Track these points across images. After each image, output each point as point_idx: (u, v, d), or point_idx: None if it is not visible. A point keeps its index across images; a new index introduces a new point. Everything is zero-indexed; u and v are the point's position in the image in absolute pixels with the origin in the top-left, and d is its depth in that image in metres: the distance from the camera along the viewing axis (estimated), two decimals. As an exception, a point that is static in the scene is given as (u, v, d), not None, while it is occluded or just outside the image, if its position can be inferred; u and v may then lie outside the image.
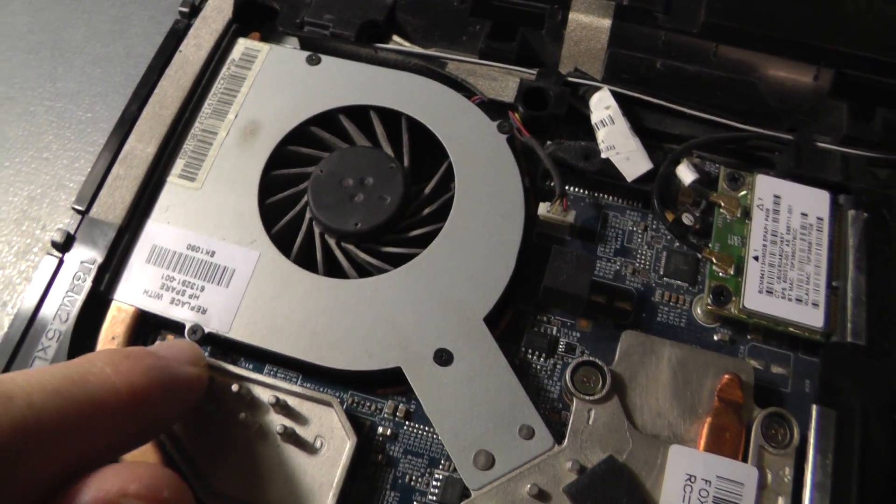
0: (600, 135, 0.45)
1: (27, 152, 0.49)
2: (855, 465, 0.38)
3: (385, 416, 0.41)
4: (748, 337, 0.42)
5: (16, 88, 0.51)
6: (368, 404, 0.41)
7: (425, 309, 0.41)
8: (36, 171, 0.48)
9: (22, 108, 0.50)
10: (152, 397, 0.33)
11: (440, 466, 0.39)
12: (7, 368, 0.40)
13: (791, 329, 0.41)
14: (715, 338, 0.42)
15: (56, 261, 0.41)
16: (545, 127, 0.46)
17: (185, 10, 0.48)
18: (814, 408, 0.39)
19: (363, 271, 0.43)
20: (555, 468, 0.38)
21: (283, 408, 0.40)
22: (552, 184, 0.44)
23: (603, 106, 0.45)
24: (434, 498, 0.39)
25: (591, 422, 0.40)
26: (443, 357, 0.40)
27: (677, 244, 0.44)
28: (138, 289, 0.41)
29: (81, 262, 0.41)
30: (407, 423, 0.40)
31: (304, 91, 0.46)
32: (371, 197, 0.43)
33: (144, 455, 0.38)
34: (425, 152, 0.46)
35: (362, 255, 0.43)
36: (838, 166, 0.45)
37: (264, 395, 0.40)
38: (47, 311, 0.40)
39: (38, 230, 0.42)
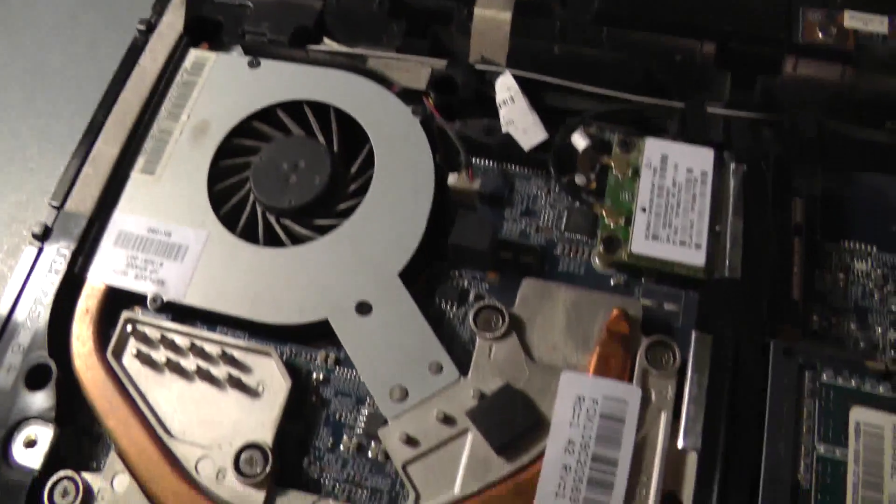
0: (502, 112, 0.50)
1: (13, 164, 0.57)
2: (727, 383, 0.43)
3: (318, 364, 0.47)
4: (642, 280, 0.48)
5: (1, 110, 0.59)
6: (304, 354, 0.47)
7: (348, 268, 0.47)
8: (22, 180, 0.56)
9: (7, 127, 0.59)
10: None
11: (365, 404, 0.45)
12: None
13: (676, 269, 0.46)
14: (611, 282, 0.48)
15: (36, 249, 0.48)
16: (456, 111, 0.51)
17: (142, 27, 0.56)
18: (693, 333, 0.44)
19: (300, 243, 0.49)
20: (460, 397, 0.44)
21: (228, 359, 0.46)
22: (462, 160, 0.50)
23: (505, 88, 0.51)
24: (360, 430, 0.45)
25: (492, 356, 0.45)
26: (363, 308, 0.46)
27: (577, 204, 0.50)
28: (107, 268, 0.48)
29: (58, 250, 0.48)
30: (337, 368, 0.46)
31: (246, 91, 0.53)
32: (303, 178, 0.50)
33: (115, 408, 0.45)
34: (352, 138, 0.52)
35: (297, 228, 0.50)
36: (722, 128, 0.50)
37: (213, 350, 0.47)
38: (30, 292, 0.47)
39: (25, 231, 0.50)
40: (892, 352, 0.45)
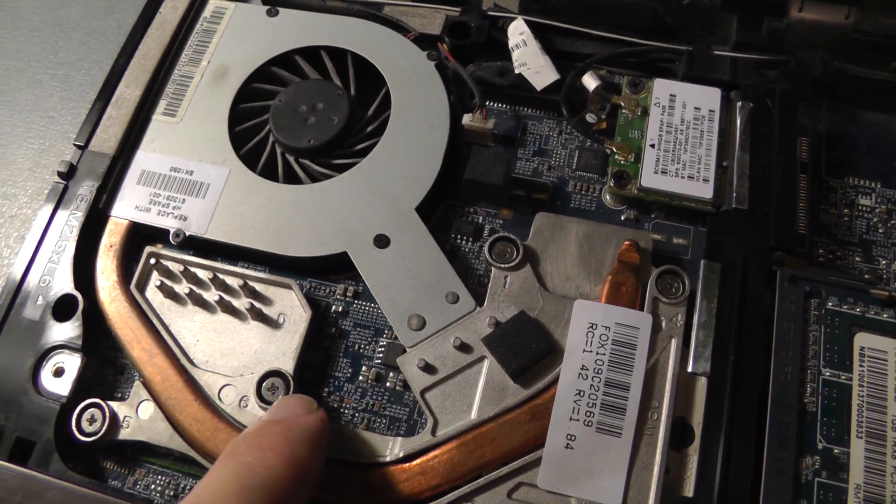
0: (515, 55, 0.51)
1: (35, 113, 0.58)
2: (735, 307, 0.44)
3: (337, 296, 0.48)
4: (651, 216, 0.49)
5: (23, 61, 0.60)
6: (323, 288, 0.48)
7: (366, 204, 0.48)
8: (44, 128, 0.57)
9: (29, 78, 0.60)
10: (301, 457, 0.37)
11: (384, 335, 0.47)
12: (26, 274, 0.49)
13: (685, 203, 0.47)
14: (622, 218, 0.49)
15: (62, 187, 0.50)
16: (470, 55, 0.52)
17: None
18: (702, 262, 0.45)
19: (318, 181, 0.50)
20: (476, 325, 0.45)
21: (250, 291, 0.47)
22: (476, 101, 0.51)
23: (518, 33, 0.52)
24: (379, 361, 0.46)
25: (506, 286, 0.46)
26: (381, 241, 0.47)
27: (589, 143, 0.51)
28: (130, 205, 0.49)
29: (82, 187, 0.50)
30: (355, 301, 0.48)
31: (265, 38, 0.54)
32: (321, 119, 0.51)
33: (139, 338, 0.46)
34: (369, 84, 0.53)
35: (315, 167, 0.52)
36: (728, 68, 0.51)
37: (235, 282, 0.48)
38: (55, 229, 0.49)
39: (48, 176, 0.51)
40: (895, 282, 0.47)
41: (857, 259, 0.47)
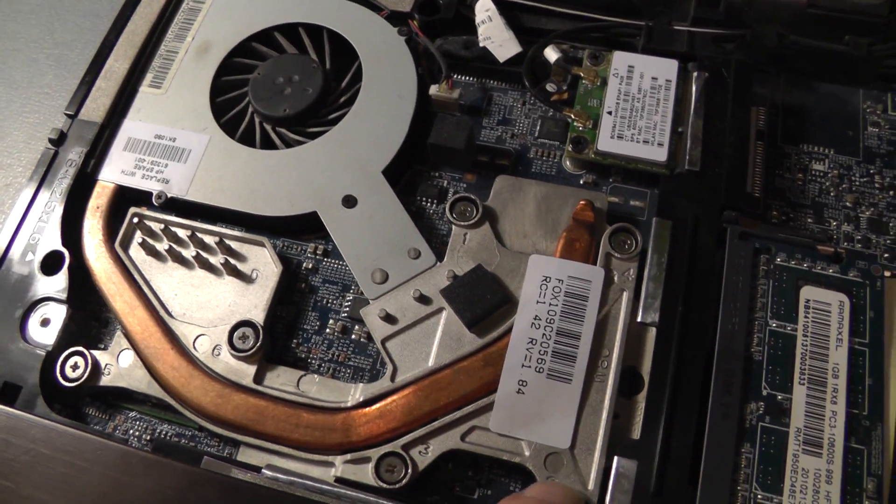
0: (480, 30, 0.53)
1: (31, 90, 0.62)
2: (685, 261, 0.46)
3: (308, 255, 0.50)
4: (609, 180, 0.51)
5: (20, 42, 0.64)
6: (295, 247, 0.51)
7: (336, 167, 0.50)
8: (39, 104, 0.61)
9: (25, 57, 0.64)
10: None
11: (350, 291, 0.49)
12: (16, 233, 0.51)
13: (640, 165, 0.49)
14: (581, 182, 0.51)
15: (52, 152, 0.53)
16: (439, 30, 0.55)
17: None
18: (654, 219, 0.47)
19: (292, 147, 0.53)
20: (435, 278, 0.47)
21: (225, 248, 0.50)
22: (443, 73, 0.53)
23: (484, 9, 0.54)
24: (345, 314, 0.49)
25: (466, 243, 0.48)
26: (349, 202, 0.49)
27: (551, 113, 0.54)
28: (117, 170, 0.52)
29: (72, 152, 0.53)
30: (325, 259, 0.50)
31: (246, 16, 0.57)
32: (297, 90, 0.53)
33: (121, 292, 0.49)
34: (344, 58, 0.56)
35: (290, 135, 0.54)
36: (686, 42, 0.53)
37: (211, 240, 0.51)
38: (45, 190, 0.52)
39: (42, 147, 0.54)
40: (845, 242, 0.49)
41: (809, 220, 0.49)
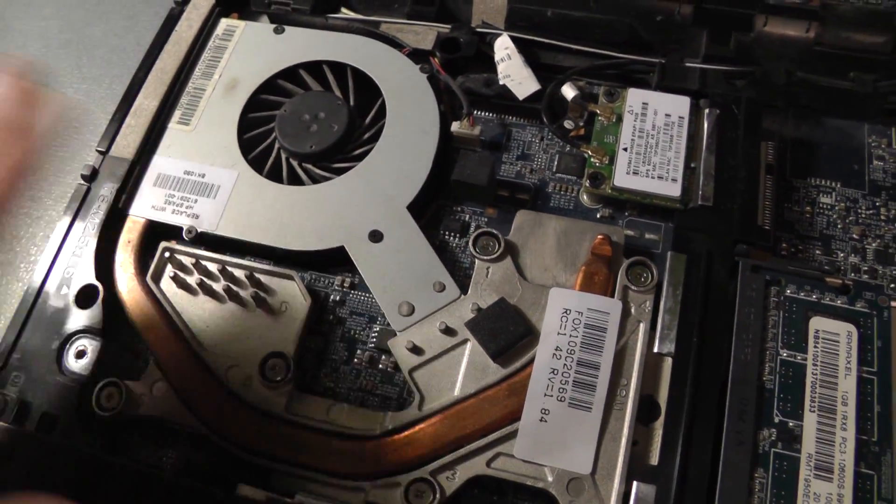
0: (500, 68, 0.57)
1: (60, 124, 0.67)
2: (699, 294, 0.49)
3: (335, 287, 0.54)
4: (625, 213, 0.54)
5: (50, 77, 0.66)
6: (323, 280, 0.54)
7: (362, 202, 0.54)
8: (67, 137, 0.64)
9: (55, 90, 0.67)
10: None
11: (377, 322, 0.52)
12: (51, 267, 0.54)
13: (655, 200, 0.53)
14: (598, 216, 0.54)
15: (85, 188, 0.56)
16: (460, 68, 0.59)
17: (178, 0, 0.64)
18: (668, 253, 0.51)
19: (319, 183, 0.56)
20: (460, 311, 0.50)
21: (255, 282, 0.53)
22: (464, 110, 0.57)
23: (503, 47, 0.58)
24: (372, 345, 0.52)
25: (489, 276, 0.52)
26: (375, 236, 0.52)
27: (568, 148, 0.57)
28: (147, 205, 0.56)
29: (104, 188, 0.56)
30: (352, 291, 0.53)
31: (272, 54, 0.61)
32: (323, 127, 0.57)
33: (154, 324, 0.52)
34: (367, 95, 0.59)
35: (317, 171, 0.58)
36: (698, 79, 0.57)
37: (241, 274, 0.54)
38: (78, 226, 0.55)
39: (71, 180, 0.57)
40: (852, 273, 0.52)
41: (818, 252, 0.52)
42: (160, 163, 0.57)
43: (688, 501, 0.45)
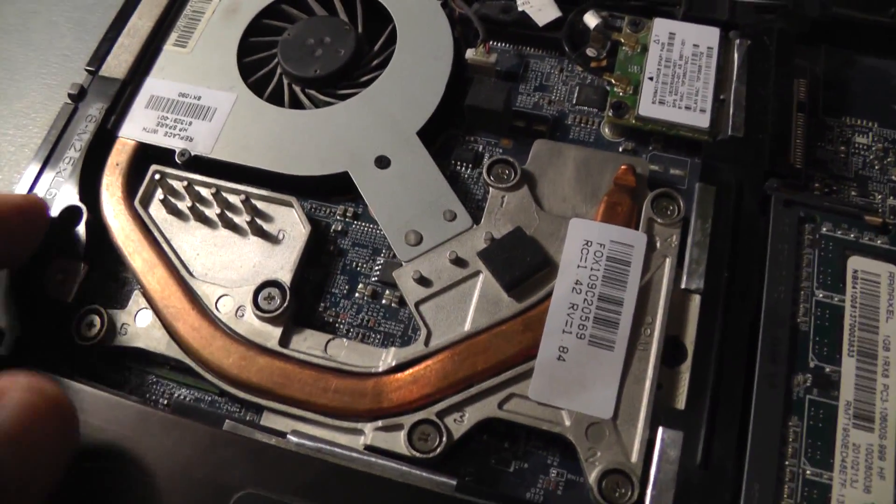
0: None
1: (50, 52, 0.61)
2: (729, 227, 0.45)
3: (337, 217, 0.49)
4: (650, 147, 0.50)
5: (39, 3, 0.63)
6: (324, 209, 0.49)
7: (368, 128, 0.49)
8: (57, 65, 0.60)
9: (45, 19, 0.63)
10: None
11: (381, 254, 0.48)
12: (33, 187, 0.49)
13: (682, 132, 0.48)
14: (620, 149, 0.50)
15: (72, 108, 0.51)
16: None
17: None
18: (696, 184, 0.46)
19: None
20: (472, 241, 0.46)
21: (251, 208, 0.48)
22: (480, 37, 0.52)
23: None
24: (376, 278, 0.47)
25: (503, 205, 0.47)
26: (382, 162, 0.48)
27: (589, 80, 0.52)
28: (138, 126, 0.51)
29: (92, 108, 0.51)
30: (355, 222, 0.49)
31: None
32: (328, 52, 0.52)
33: (140, 250, 0.47)
34: (377, 22, 0.55)
35: (321, 97, 0.53)
36: (727, 9, 0.52)
37: (237, 199, 0.49)
38: (65, 143, 0.50)
39: (59, 108, 0.54)
40: (891, 216, 0.48)
41: (853, 193, 0.48)
42: (154, 84, 0.52)
43: (718, 449, 0.40)
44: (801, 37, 0.51)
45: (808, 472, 0.39)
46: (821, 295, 0.43)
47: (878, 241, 0.44)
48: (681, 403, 0.42)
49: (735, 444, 0.40)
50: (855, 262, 0.44)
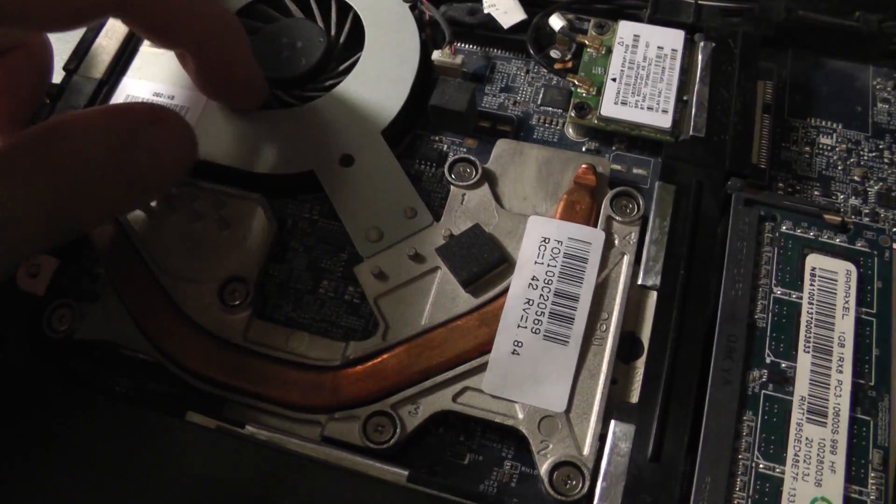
0: None
1: None
2: (688, 226, 0.44)
3: (303, 215, 0.49)
4: (612, 147, 0.50)
5: None
6: (290, 207, 0.49)
7: (334, 127, 0.49)
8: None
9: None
10: None
11: (345, 252, 0.48)
12: None
13: (644, 132, 0.48)
14: (583, 149, 0.49)
15: (49, 107, 0.51)
16: None
17: None
18: (656, 184, 0.46)
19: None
20: (431, 238, 0.45)
21: (218, 204, 0.49)
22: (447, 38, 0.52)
23: None
24: (339, 274, 0.47)
25: (463, 203, 0.47)
26: (346, 161, 0.48)
27: (555, 81, 0.52)
28: (112, 126, 0.54)
29: (69, 107, 0.51)
30: (320, 220, 0.49)
31: None
32: (298, 55, 0.52)
33: (111, 244, 0.47)
34: (349, 25, 0.54)
35: (287, 99, 0.53)
36: (693, 13, 0.52)
37: (205, 196, 0.49)
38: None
39: None
40: (853, 216, 0.47)
41: (816, 193, 0.47)
42: (129, 84, 0.53)
43: (669, 443, 0.40)
44: (768, 40, 0.51)
45: (760, 465, 0.39)
46: (779, 292, 0.43)
47: (837, 240, 0.44)
48: (635, 398, 0.41)
49: (687, 438, 0.40)
50: (813, 260, 0.43)
